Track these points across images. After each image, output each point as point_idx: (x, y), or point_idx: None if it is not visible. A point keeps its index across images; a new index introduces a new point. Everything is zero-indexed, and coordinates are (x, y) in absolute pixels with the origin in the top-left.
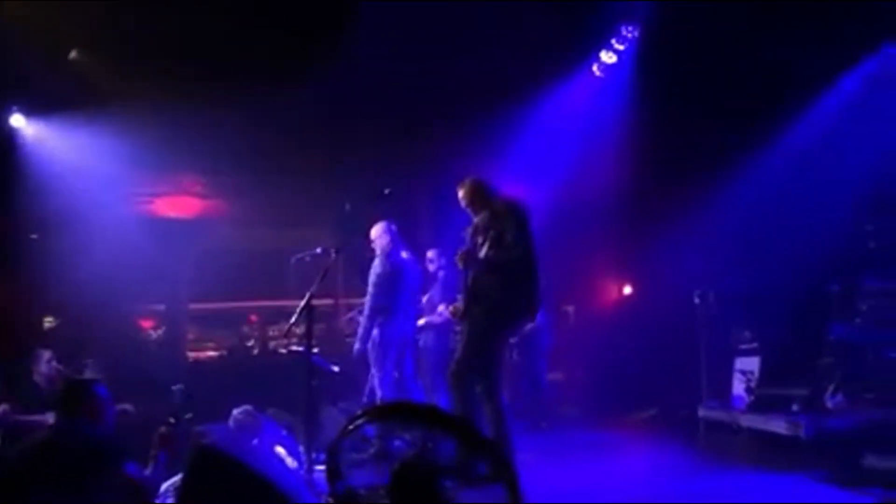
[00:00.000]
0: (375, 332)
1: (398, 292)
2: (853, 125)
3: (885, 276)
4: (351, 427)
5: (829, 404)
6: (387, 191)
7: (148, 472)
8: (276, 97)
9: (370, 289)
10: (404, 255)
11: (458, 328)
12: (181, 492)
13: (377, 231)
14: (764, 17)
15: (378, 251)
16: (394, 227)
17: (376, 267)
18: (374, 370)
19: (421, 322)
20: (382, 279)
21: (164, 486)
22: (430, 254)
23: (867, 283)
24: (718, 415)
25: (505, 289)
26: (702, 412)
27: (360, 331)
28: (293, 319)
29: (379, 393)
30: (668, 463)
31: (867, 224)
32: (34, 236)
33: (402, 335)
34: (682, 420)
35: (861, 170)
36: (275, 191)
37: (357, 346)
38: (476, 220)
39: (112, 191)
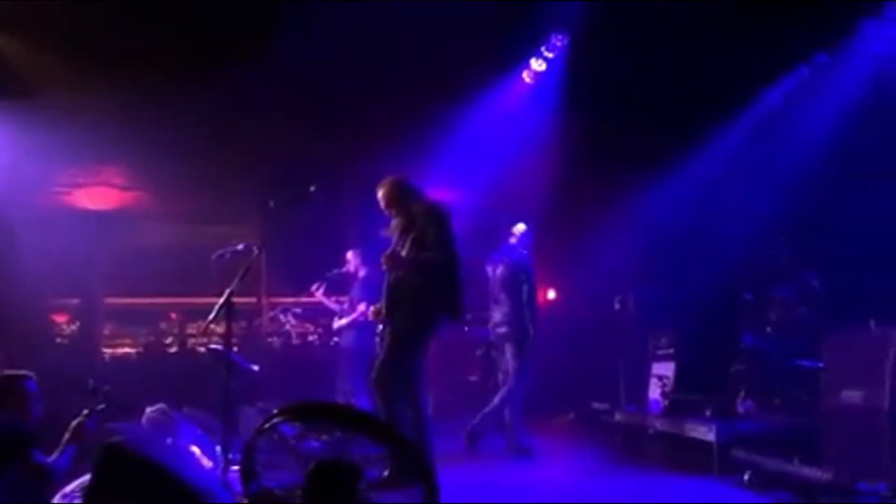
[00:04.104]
0: None
1: None
2: (774, 137)
3: (793, 287)
4: (266, 426)
5: (740, 409)
6: (312, 188)
7: (52, 458)
8: (202, 90)
9: None
10: None
11: (378, 330)
12: (89, 491)
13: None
14: (691, 26)
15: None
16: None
17: None
18: None
19: (342, 322)
20: None
21: (71, 486)
22: (348, 254)
23: (777, 293)
24: (634, 418)
25: (427, 291)
26: (619, 416)
27: None
28: (211, 316)
29: None
30: (585, 465)
31: (780, 235)
32: None
33: None
34: (600, 423)
35: (778, 181)
36: (198, 185)
37: None
38: (394, 221)
39: (28, 181)
